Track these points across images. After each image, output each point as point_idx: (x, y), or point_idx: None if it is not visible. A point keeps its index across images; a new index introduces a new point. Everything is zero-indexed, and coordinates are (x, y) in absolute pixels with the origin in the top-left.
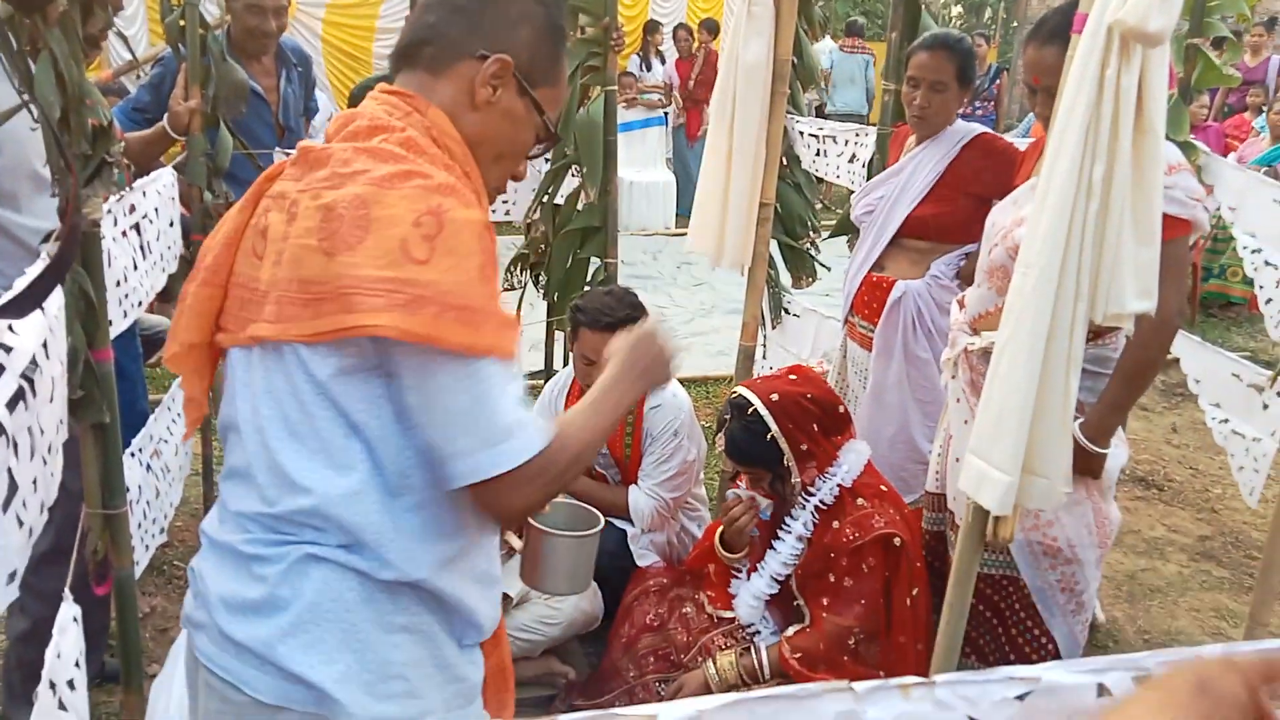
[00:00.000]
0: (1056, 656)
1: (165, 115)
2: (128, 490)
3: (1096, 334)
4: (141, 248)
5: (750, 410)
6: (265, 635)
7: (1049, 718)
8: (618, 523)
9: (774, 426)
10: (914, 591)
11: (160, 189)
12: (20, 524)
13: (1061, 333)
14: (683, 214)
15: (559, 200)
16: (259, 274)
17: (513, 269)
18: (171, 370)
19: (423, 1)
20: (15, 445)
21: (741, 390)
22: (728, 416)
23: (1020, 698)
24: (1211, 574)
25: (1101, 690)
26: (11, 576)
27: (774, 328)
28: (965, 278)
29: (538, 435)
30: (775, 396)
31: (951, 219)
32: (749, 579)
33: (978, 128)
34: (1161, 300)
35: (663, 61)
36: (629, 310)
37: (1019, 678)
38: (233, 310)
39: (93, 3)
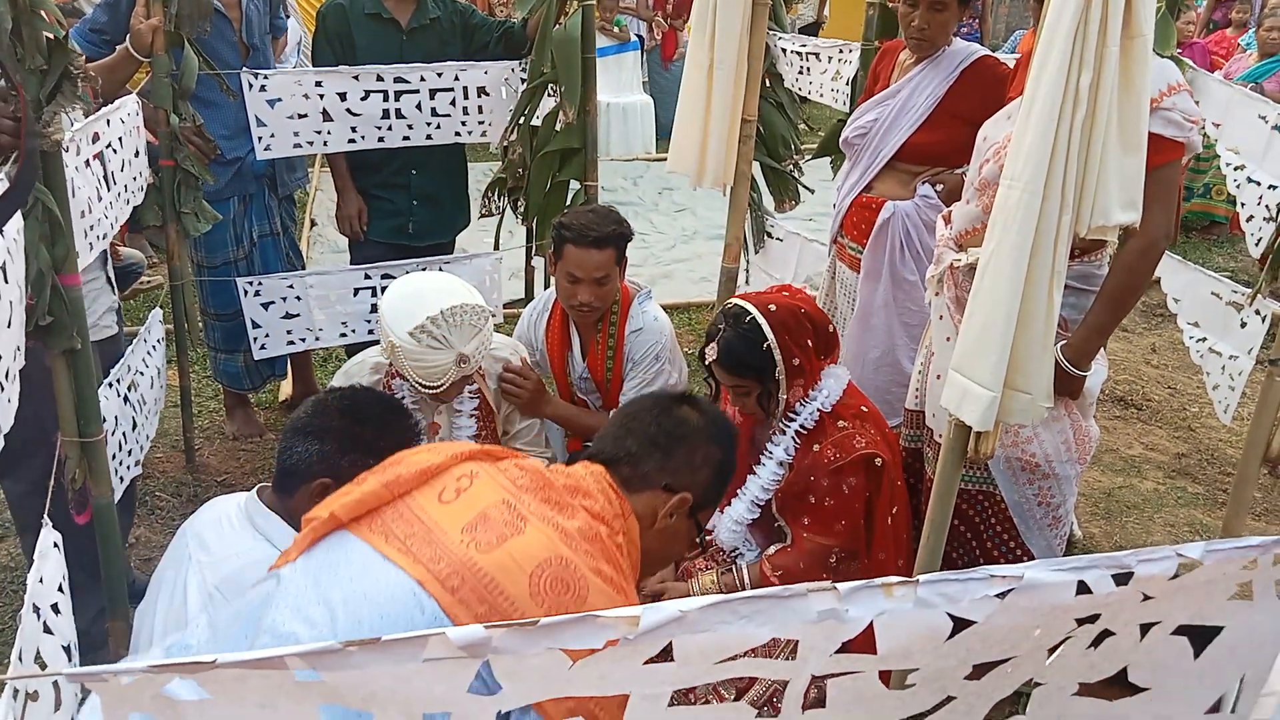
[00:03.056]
0: None
1: (127, 36)
2: (104, 420)
3: (1083, 250)
4: (106, 178)
5: (748, 319)
6: None
7: (1028, 615)
8: None
9: (770, 336)
10: (894, 510)
11: (124, 117)
12: None
13: (1045, 246)
14: (662, 138)
15: (536, 121)
16: (440, 519)
17: (490, 194)
18: (301, 528)
19: (623, 422)
20: None
21: (737, 300)
22: (721, 326)
23: (1001, 595)
24: (1187, 490)
25: (1081, 588)
26: None
27: (756, 252)
28: (947, 195)
29: None
30: (773, 307)
31: (949, 145)
32: (729, 506)
33: (978, 50)
34: (1149, 223)
35: None
36: (614, 226)
37: (1000, 575)
38: (388, 520)
39: None
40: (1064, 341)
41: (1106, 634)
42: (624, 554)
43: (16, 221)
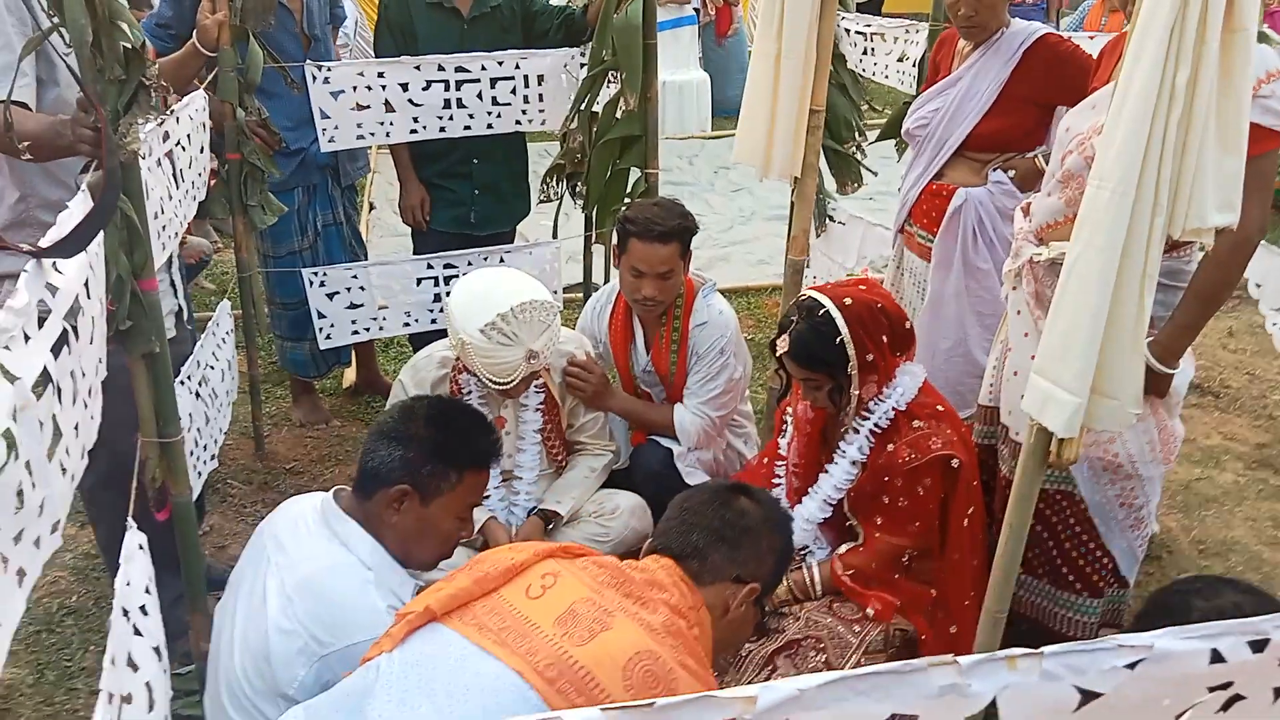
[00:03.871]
0: (1114, 573)
1: (194, 32)
2: (180, 418)
3: (1171, 246)
4: (175, 176)
5: (822, 312)
6: None
7: (1158, 685)
8: (664, 441)
9: (844, 330)
10: (970, 511)
11: (192, 114)
12: (64, 471)
13: (1137, 249)
14: (717, 115)
15: (596, 108)
16: (530, 614)
17: (549, 180)
18: (397, 619)
19: (683, 516)
20: (59, 391)
21: (812, 292)
22: (794, 319)
23: (1131, 666)
24: (1269, 483)
25: (1215, 656)
26: (55, 526)
27: (818, 235)
28: (1020, 179)
29: None
30: (849, 301)
31: (1017, 130)
32: (800, 504)
33: (1039, 28)
34: (1244, 217)
35: None
36: (679, 220)
37: (1129, 645)
38: (480, 614)
39: None
40: (1151, 338)
41: (1237, 697)
42: (701, 645)
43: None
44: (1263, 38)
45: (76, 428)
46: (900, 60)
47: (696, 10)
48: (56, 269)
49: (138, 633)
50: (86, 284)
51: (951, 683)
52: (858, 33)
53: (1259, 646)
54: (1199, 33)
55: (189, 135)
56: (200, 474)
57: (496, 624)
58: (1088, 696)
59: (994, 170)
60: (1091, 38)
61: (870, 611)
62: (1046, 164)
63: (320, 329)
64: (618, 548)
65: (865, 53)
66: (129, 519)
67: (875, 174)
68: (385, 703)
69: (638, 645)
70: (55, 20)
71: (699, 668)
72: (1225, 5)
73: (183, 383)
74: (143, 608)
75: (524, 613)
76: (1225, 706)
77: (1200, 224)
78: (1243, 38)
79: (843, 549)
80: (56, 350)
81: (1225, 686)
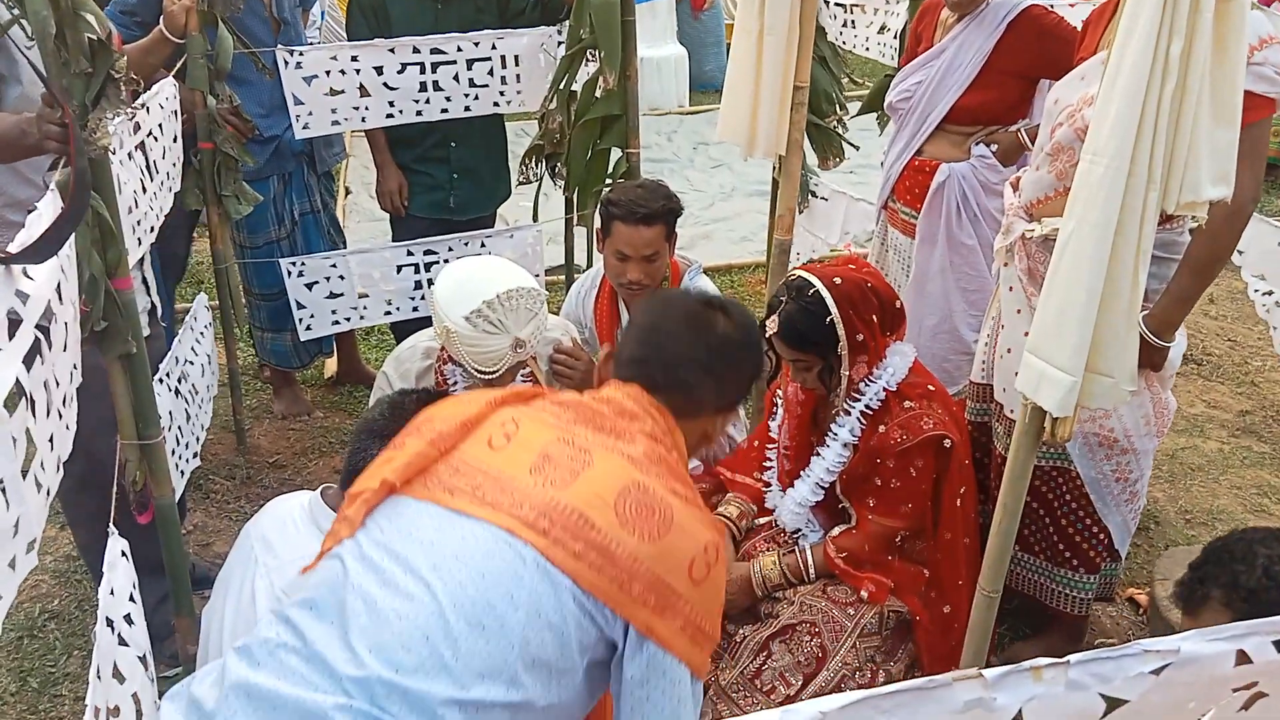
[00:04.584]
0: (1109, 547)
1: (160, 18)
2: (159, 418)
3: (1165, 218)
4: (148, 168)
5: (811, 291)
6: None
7: (1185, 689)
8: None
9: (834, 310)
10: (962, 490)
11: (162, 102)
12: (39, 487)
13: (1131, 224)
14: (695, 90)
15: (575, 88)
16: (500, 467)
17: (528, 161)
18: (349, 499)
19: (657, 340)
20: (33, 404)
21: (801, 272)
22: (783, 299)
23: (1156, 672)
24: (1253, 450)
25: (1240, 658)
26: (31, 545)
27: (801, 212)
28: (1003, 154)
29: None
30: (838, 280)
31: (1000, 104)
32: (792, 488)
33: (1024, 1)
34: (1238, 186)
35: None
36: (664, 201)
37: (1154, 650)
38: (445, 477)
39: None
40: (1146, 312)
41: (1260, 695)
42: (682, 465)
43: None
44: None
45: (51, 440)
46: (881, 32)
47: None
48: (26, 275)
49: (123, 642)
50: (58, 288)
51: (977, 697)
52: (837, 4)
53: None
54: (1192, 3)
55: (160, 125)
56: (183, 473)
57: (467, 483)
58: (1113, 704)
59: (976, 144)
60: (1072, 4)
61: (864, 594)
62: (1029, 137)
63: (300, 319)
64: None
65: (845, 25)
66: (110, 524)
67: (857, 148)
68: (366, 591)
69: (624, 478)
70: (15, 12)
71: (689, 492)
72: None
73: (161, 380)
74: (127, 616)
75: (493, 466)
76: (1247, 705)
77: (1194, 197)
78: (1237, 7)
79: (835, 531)
80: (29, 361)
81: (1249, 686)
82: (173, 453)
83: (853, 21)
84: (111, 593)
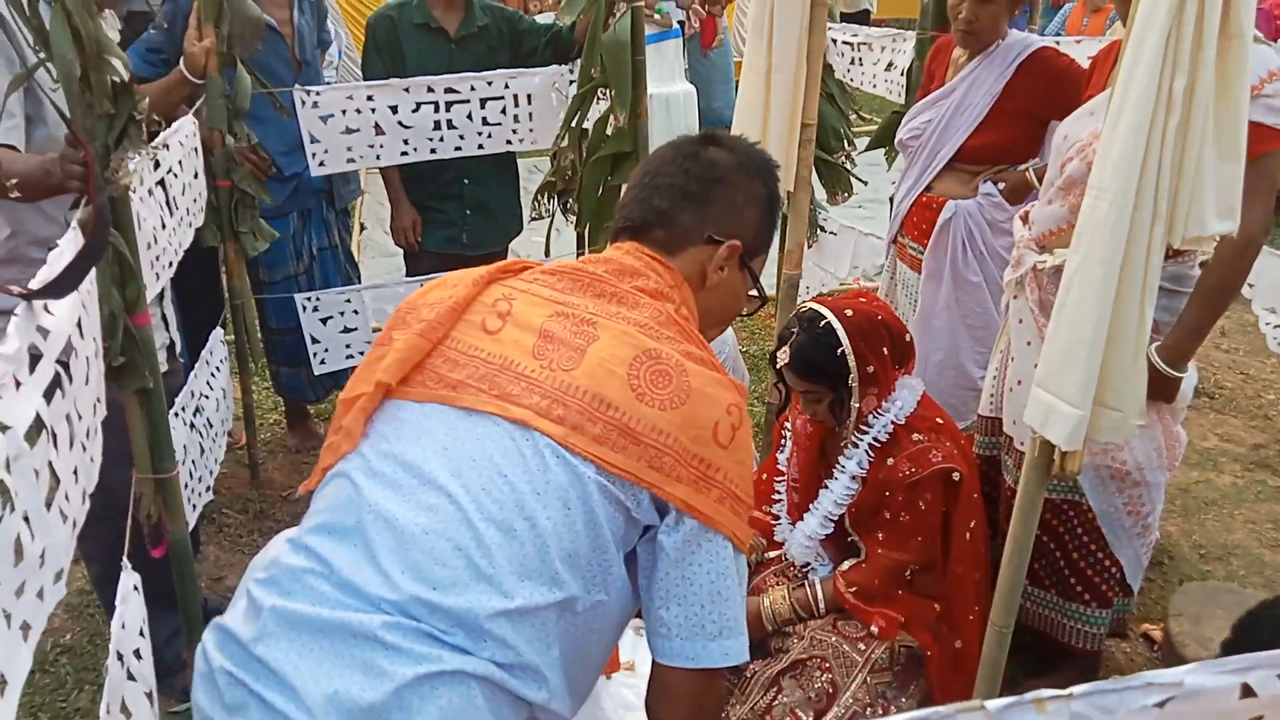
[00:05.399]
0: (1122, 581)
1: (181, 58)
2: (174, 452)
3: (1175, 251)
4: (168, 204)
5: (823, 323)
6: None
7: None
8: None
9: (845, 342)
10: (972, 524)
11: (183, 140)
12: (64, 518)
13: (1137, 258)
14: (704, 126)
15: (586, 126)
16: (502, 352)
17: (540, 198)
18: (344, 407)
19: (646, 181)
20: (54, 437)
21: (812, 304)
22: (794, 330)
23: (1161, 705)
24: (1267, 484)
25: (1245, 691)
26: (59, 575)
27: (810, 246)
28: (1010, 192)
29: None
30: (849, 312)
31: (1009, 144)
32: (801, 521)
33: (1035, 41)
34: (1247, 219)
35: None
36: None
37: (1159, 684)
38: (443, 370)
39: None
40: (1158, 343)
41: None
42: (692, 325)
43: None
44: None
45: (75, 472)
46: (888, 69)
47: (681, 24)
48: (48, 310)
49: (131, 677)
50: (79, 324)
51: None
52: (845, 43)
53: None
54: (1195, 39)
55: (180, 161)
56: (195, 507)
57: (469, 376)
58: None
59: (984, 182)
60: (1078, 41)
61: (875, 629)
62: (1037, 177)
63: (315, 354)
64: None
65: (853, 62)
66: (124, 558)
67: (865, 183)
68: (384, 509)
69: (634, 348)
70: (41, 56)
71: (702, 352)
72: (1221, 12)
73: (177, 414)
74: (137, 651)
75: (493, 354)
76: None
77: (1200, 232)
78: (1239, 45)
79: (845, 565)
80: (50, 395)
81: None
82: (186, 486)
83: (860, 59)
84: (123, 627)
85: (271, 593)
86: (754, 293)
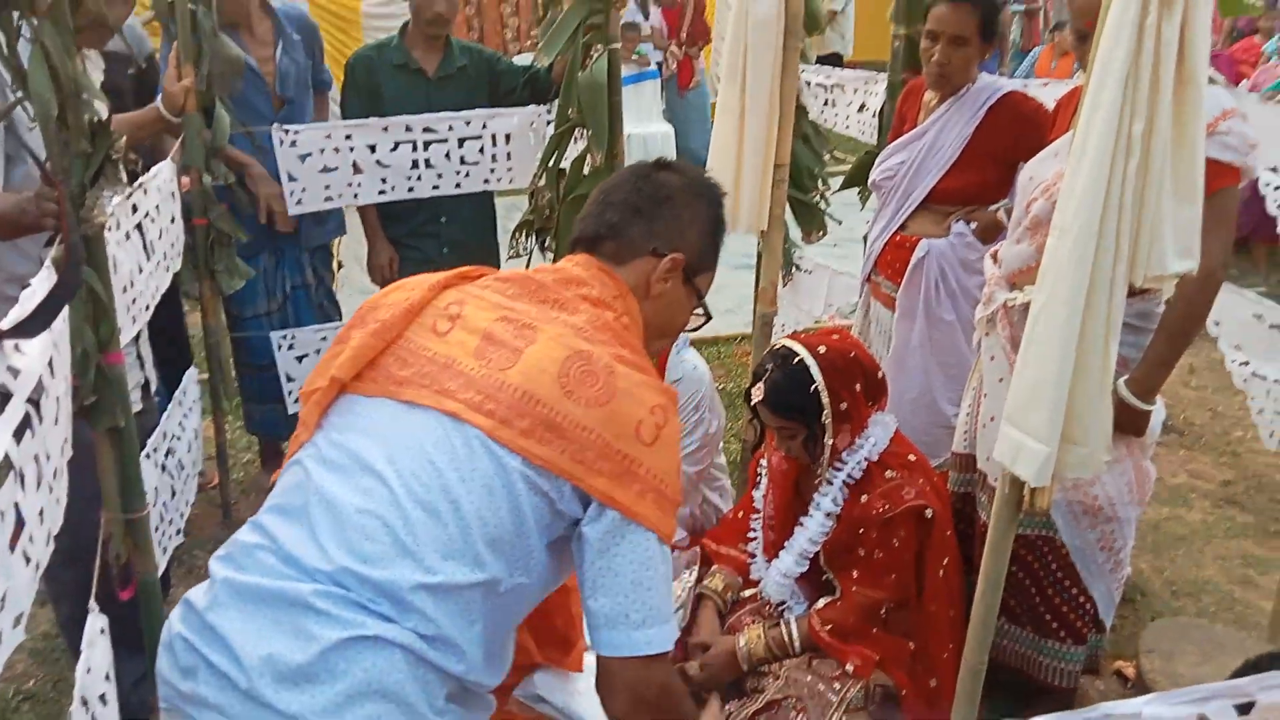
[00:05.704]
0: (1096, 618)
1: (159, 96)
2: (145, 493)
3: (1140, 289)
4: (145, 247)
5: (796, 359)
6: (321, 704)
7: None
8: None
9: (819, 378)
10: (945, 561)
11: (160, 184)
12: (27, 561)
13: (1100, 297)
14: None
15: (564, 165)
16: (446, 352)
17: (518, 235)
18: (303, 401)
19: (601, 198)
20: (22, 477)
21: (786, 341)
22: (768, 367)
23: None
24: (1236, 520)
25: None
26: (18, 620)
27: (785, 284)
28: (982, 232)
29: (675, 634)
30: (823, 349)
31: (981, 186)
32: (777, 559)
33: (1006, 85)
34: (1207, 253)
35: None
36: None
37: (1117, 715)
38: (392, 368)
39: None
40: (1127, 377)
41: None
42: (632, 333)
43: (62, 311)
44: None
45: (41, 513)
46: (860, 111)
47: (659, 64)
48: (18, 349)
49: None
50: (51, 362)
51: None
52: (819, 85)
53: (1245, 709)
54: (1152, 84)
55: (158, 205)
56: (166, 550)
57: (415, 374)
58: None
59: (956, 222)
60: (1044, 85)
61: (850, 667)
62: (1008, 217)
63: (290, 392)
64: None
65: (826, 104)
66: (91, 600)
67: (839, 222)
68: (326, 491)
69: (567, 349)
70: (19, 95)
71: (634, 356)
72: (1177, 58)
73: (149, 455)
74: (102, 696)
75: (439, 354)
76: None
77: (1161, 271)
78: (1194, 90)
79: (820, 604)
80: (19, 434)
81: None
82: (156, 528)
83: (833, 101)
84: (89, 671)
85: (227, 567)
86: (699, 310)
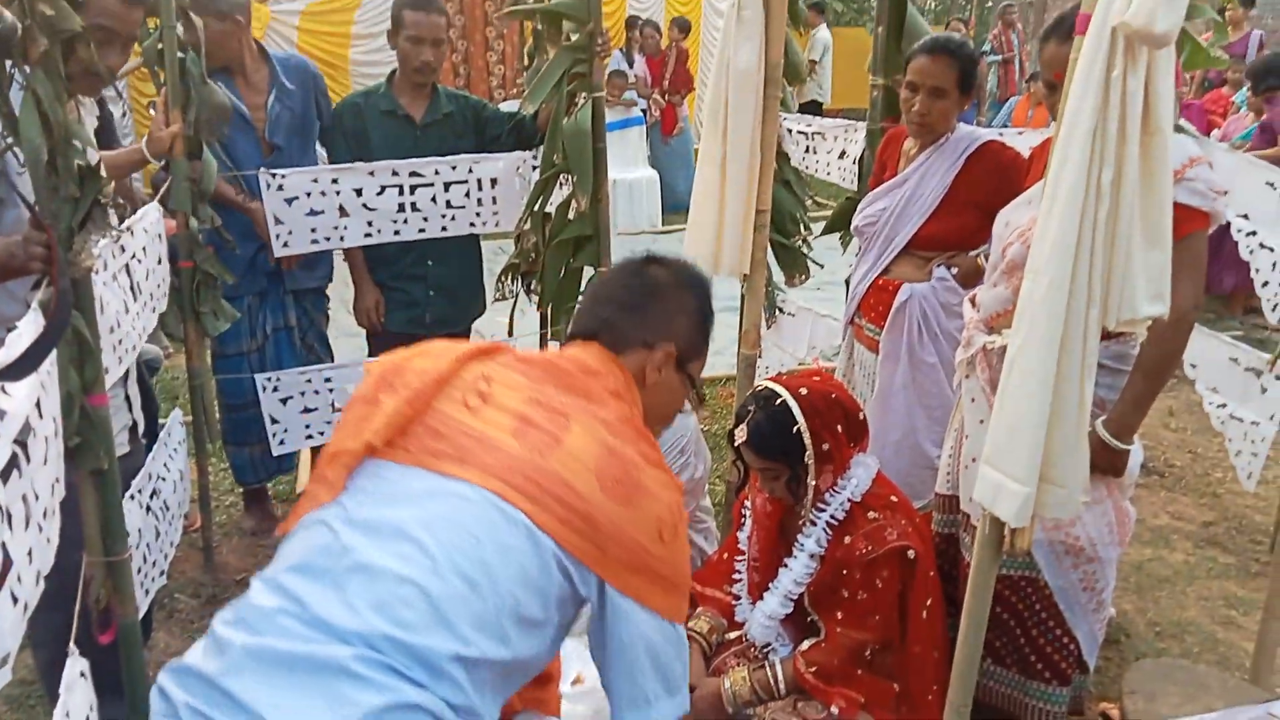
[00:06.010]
0: (1080, 658)
1: (144, 139)
2: (128, 535)
3: (1114, 333)
4: (132, 289)
5: (779, 401)
6: None
7: None
8: None
9: (800, 419)
10: (928, 602)
11: (147, 227)
12: (15, 601)
13: (1074, 340)
14: (667, 211)
15: (549, 209)
16: (479, 428)
17: (504, 279)
18: (327, 466)
19: (594, 295)
20: (9, 517)
21: (768, 383)
22: (751, 408)
23: None
24: (1218, 561)
25: None
26: (4, 660)
27: (768, 327)
28: (963, 277)
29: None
30: (804, 391)
31: (962, 232)
32: (761, 600)
33: (984, 134)
34: (1178, 295)
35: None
36: None
37: None
38: (425, 438)
39: (75, 41)
40: (1105, 417)
41: None
42: (641, 423)
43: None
44: (1179, 129)
45: (30, 553)
46: (840, 157)
47: (644, 111)
48: (5, 391)
49: None
50: (38, 404)
51: None
52: (800, 132)
53: None
54: (1119, 135)
55: (145, 248)
56: (148, 592)
57: (450, 447)
58: None
59: (938, 266)
60: (1020, 133)
61: (835, 710)
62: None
63: (274, 434)
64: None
65: (808, 150)
66: (71, 643)
67: (821, 266)
68: (360, 554)
69: (600, 444)
70: (9, 140)
71: (654, 452)
72: (1142, 110)
73: (133, 497)
74: None
75: (474, 429)
76: None
77: (1132, 315)
78: (1159, 140)
79: (805, 645)
80: (5, 475)
81: None
82: (139, 570)
83: (814, 147)
84: (67, 716)
85: (240, 632)
86: (694, 393)
